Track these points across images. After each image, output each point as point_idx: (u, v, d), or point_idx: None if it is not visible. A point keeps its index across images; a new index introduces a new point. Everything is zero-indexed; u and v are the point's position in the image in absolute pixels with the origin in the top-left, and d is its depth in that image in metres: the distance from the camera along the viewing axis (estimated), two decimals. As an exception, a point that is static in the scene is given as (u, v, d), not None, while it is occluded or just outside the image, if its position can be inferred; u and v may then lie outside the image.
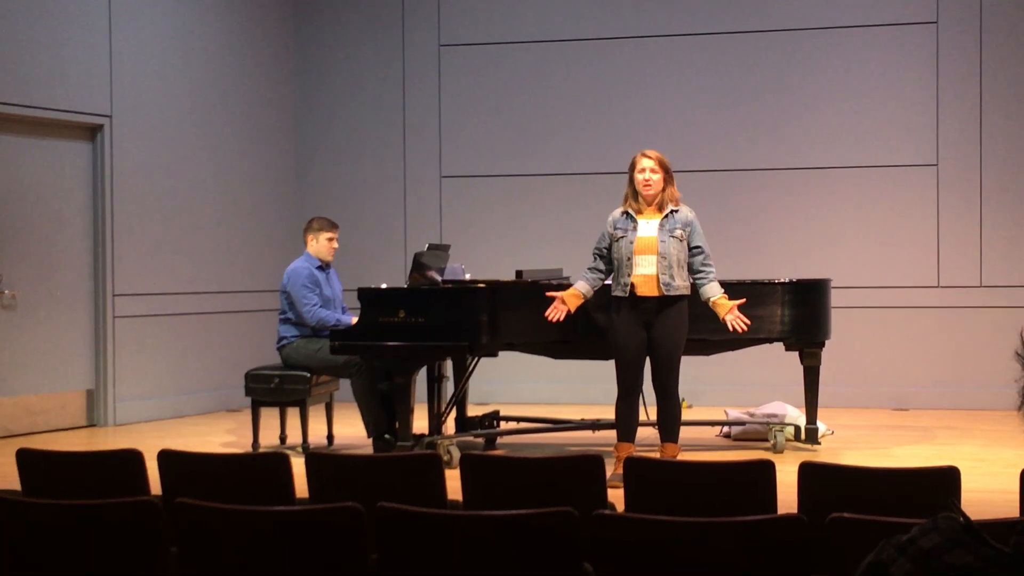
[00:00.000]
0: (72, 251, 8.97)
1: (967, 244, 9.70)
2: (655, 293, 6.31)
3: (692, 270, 6.41)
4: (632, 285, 6.31)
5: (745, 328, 6.43)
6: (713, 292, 6.41)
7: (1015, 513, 4.22)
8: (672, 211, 6.40)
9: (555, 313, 6.49)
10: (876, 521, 3.07)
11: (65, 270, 8.91)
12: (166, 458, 4.50)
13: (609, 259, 6.45)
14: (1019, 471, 4.05)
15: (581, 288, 6.51)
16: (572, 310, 6.50)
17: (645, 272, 6.32)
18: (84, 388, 9.07)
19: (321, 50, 10.93)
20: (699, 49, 10.19)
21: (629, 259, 6.33)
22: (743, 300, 6.46)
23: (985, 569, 1.33)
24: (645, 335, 6.36)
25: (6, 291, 8.50)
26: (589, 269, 6.52)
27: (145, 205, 9.38)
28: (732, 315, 6.39)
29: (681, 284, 6.36)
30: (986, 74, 9.65)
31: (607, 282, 6.51)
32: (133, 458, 4.46)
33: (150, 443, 6.53)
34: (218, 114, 10.09)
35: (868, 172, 9.89)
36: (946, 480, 3.92)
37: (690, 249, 6.42)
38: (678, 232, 6.36)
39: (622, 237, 6.37)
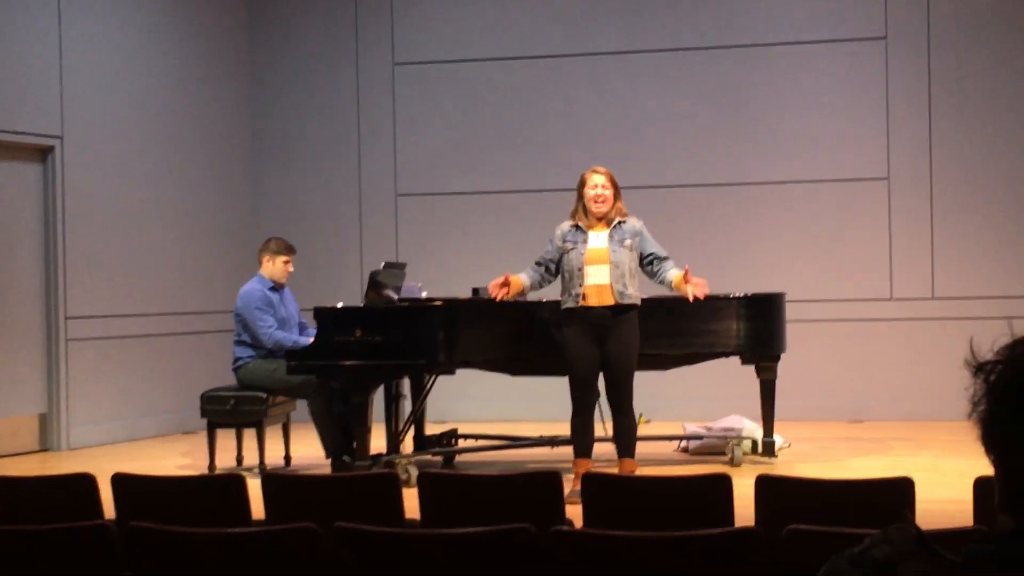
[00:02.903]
0: (23, 274, 8.87)
1: (919, 257, 9.80)
2: (609, 302, 6.34)
3: (653, 270, 6.43)
4: (584, 295, 6.33)
5: (705, 293, 6.40)
6: (673, 274, 6.42)
7: (969, 522, 4.25)
8: (620, 222, 6.43)
9: (497, 291, 6.49)
10: (832, 532, 3.08)
11: (16, 293, 8.81)
12: (120, 481, 4.45)
13: (552, 270, 6.49)
14: (972, 481, 4.09)
15: (523, 279, 6.53)
16: (510, 295, 6.49)
17: (598, 282, 6.34)
18: (37, 412, 8.96)
19: (275, 69, 10.89)
20: (652, 66, 10.25)
21: (580, 269, 6.35)
22: (705, 291, 6.43)
23: (937, 579, 1.34)
24: (598, 351, 6.37)
25: (-44, 315, 8.39)
26: (531, 267, 6.56)
27: (97, 227, 9.30)
28: (691, 285, 6.36)
29: (634, 293, 6.39)
30: (935, 88, 9.77)
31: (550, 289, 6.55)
32: (86, 482, 4.42)
33: (104, 467, 6.45)
34: (171, 134, 10.03)
35: (820, 186, 9.97)
36: (900, 491, 3.95)
37: (645, 257, 6.45)
38: (627, 242, 6.40)
39: (572, 249, 6.39)
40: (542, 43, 10.44)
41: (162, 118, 9.95)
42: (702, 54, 10.17)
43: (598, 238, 6.41)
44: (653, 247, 6.47)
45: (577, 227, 6.45)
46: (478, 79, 10.56)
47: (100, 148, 9.35)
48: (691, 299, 6.38)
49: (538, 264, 6.56)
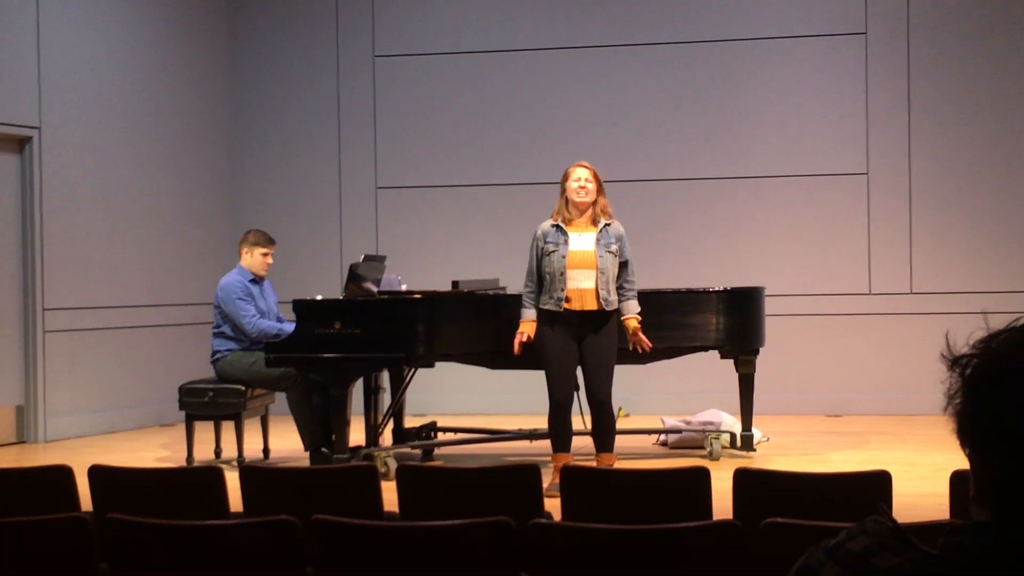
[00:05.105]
0: (0, 265, 8.82)
1: (897, 252, 9.84)
2: (593, 307, 6.32)
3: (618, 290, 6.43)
4: (567, 299, 6.31)
5: (647, 347, 6.45)
6: (630, 310, 6.42)
7: (946, 516, 4.27)
8: (606, 225, 6.42)
9: (518, 344, 6.44)
10: (809, 526, 3.10)
11: (-7, 284, 8.76)
12: (97, 474, 4.43)
13: (540, 276, 6.42)
14: (949, 474, 4.11)
15: (532, 315, 6.45)
16: (532, 336, 6.44)
17: (582, 286, 6.32)
18: (14, 404, 8.91)
19: (254, 61, 10.86)
20: (632, 60, 10.26)
21: (562, 273, 6.31)
22: (648, 345, 6.48)
23: (912, 571, 1.35)
24: (577, 347, 6.37)
25: (-68, 306, 8.34)
26: (529, 294, 6.44)
27: (75, 218, 9.25)
28: (636, 337, 6.42)
29: (614, 299, 6.39)
30: (914, 83, 9.81)
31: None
32: (63, 474, 4.40)
33: (82, 459, 6.43)
34: (150, 125, 9.98)
35: (800, 181, 10.00)
36: (878, 484, 3.97)
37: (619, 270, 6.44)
38: (613, 247, 6.38)
39: (554, 251, 6.35)
40: (522, 36, 10.43)
41: (141, 109, 9.90)
42: (681, 48, 10.18)
43: (580, 240, 6.37)
44: (628, 255, 6.42)
45: (557, 228, 6.42)
46: (458, 72, 10.54)
47: (78, 139, 9.30)
48: (630, 348, 6.46)
49: (529, 283, 6.47)
